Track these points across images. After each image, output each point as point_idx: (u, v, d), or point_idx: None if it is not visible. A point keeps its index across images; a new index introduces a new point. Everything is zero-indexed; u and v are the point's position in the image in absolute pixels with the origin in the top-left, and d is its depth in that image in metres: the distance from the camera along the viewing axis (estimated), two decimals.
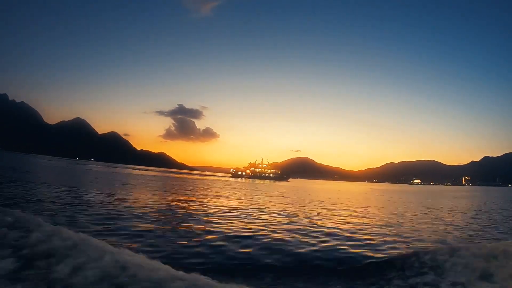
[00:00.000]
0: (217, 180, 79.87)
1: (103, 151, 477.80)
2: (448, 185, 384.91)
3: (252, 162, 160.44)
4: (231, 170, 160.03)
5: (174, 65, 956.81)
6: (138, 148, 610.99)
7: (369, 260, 8.48)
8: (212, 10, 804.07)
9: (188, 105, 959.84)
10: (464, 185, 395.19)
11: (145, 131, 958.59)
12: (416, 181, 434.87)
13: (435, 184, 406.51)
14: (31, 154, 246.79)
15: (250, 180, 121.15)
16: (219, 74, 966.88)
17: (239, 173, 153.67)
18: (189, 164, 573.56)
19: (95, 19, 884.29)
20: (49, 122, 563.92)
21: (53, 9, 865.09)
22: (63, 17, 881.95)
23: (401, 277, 7.32)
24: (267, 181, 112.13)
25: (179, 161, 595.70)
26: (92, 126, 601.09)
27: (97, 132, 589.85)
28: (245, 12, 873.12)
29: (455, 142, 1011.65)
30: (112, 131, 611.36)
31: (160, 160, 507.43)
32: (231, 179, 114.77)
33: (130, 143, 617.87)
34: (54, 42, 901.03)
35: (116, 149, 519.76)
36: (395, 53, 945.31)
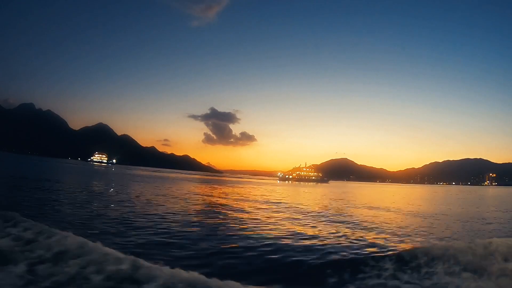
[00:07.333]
0: (267, 183, 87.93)
1: (123, 154, 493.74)
2: (495, 185, 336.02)
3: (297, 166, 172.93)
4: (279, 174, 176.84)
5: (203, 69, 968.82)
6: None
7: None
8: (217, 14, 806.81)
9: (220, 108, 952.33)
10: (488, 185, 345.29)
11: (184, 137, 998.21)
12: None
13: (479, 184, 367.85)
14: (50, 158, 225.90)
15: (296, 182, 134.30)
16: (250, 76, 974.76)
17: (286, 176, 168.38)
18: (221, 168, 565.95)
19: (119, 29, 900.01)
20: (74, 128, 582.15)
21: (77, 21, 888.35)
22: (86, 30, 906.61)
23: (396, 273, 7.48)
24: (310, 184, 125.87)
25: (206, 164, 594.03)
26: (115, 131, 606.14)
27: (117, 135, 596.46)
28: (270, 13, 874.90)
29: (504, 138, 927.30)
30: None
31: (186, 163, 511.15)
32: (278, 182, 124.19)
33: (155, 147, 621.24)
34: (78, 52, 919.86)
35: (136, 152, 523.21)
36: (439, 52, 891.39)
